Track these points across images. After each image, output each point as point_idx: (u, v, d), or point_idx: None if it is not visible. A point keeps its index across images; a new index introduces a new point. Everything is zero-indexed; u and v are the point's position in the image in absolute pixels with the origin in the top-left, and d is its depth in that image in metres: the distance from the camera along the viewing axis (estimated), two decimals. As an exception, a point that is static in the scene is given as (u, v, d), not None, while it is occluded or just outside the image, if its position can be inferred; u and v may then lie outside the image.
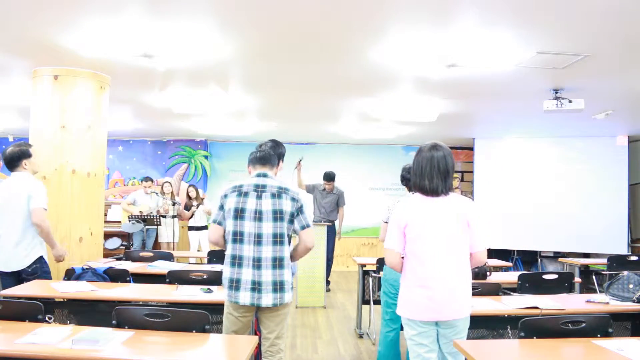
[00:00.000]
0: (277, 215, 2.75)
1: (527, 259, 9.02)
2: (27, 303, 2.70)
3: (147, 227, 7.49)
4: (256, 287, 2.71)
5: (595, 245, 8.11)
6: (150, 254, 4.83)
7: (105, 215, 7.45)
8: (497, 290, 3.62)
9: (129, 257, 4.90)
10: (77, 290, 3.29)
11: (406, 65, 4.48)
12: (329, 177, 7.28)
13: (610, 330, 2.55)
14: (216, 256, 4.90)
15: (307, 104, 6.41)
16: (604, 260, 5.40)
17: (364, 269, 5.21)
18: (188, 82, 5.25)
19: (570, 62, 4.22)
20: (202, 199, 8.14)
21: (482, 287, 3.55)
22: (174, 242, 7.79)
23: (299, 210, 2.82)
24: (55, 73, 4.66)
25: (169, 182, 8.33)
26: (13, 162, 3.80)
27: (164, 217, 7.88)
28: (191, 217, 8.14)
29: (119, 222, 7.90)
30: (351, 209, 9.45)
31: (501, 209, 8.62)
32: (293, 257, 2.92)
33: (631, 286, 3.32)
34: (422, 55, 4.17)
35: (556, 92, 5.14)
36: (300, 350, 4.73)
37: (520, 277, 3.92)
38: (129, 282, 3.81)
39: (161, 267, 4.37)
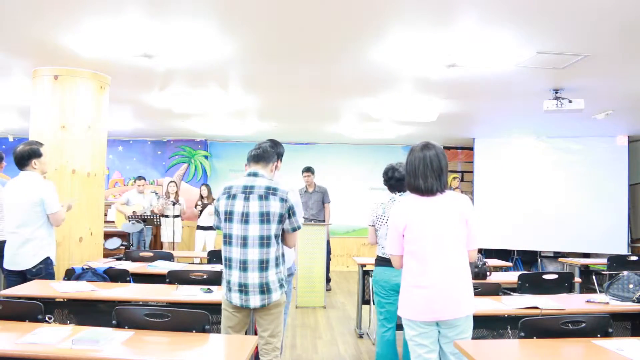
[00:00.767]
0: (264, 217, 2.73)
1: (527, 259, 9.02)
2: (27, 303, 2.70)
3: (145, 226, 7.49)
4: (243, 289, 2.72)
5: (595, 245, 8.11)
6: (150, 254, 4.83)
7: (105, 215, 7.45)
8: (497, 290, 3.62)
9: (129, 257, 4.90)
10: (77, 290, 3.29)
11: (406, 65, 4.48)
12: (307, 168, 7.23)
13: (610, 330, 2.55)
14: (216, 256, 4.90)
15: (307, 104, 6.41)
16: (604, 260, 5.40)
17: (364, 269, 5.21)
18: (188, 82, 5.25)
19: (570, 62, 4.22)
20: (213, 199, 8.17)
21: (482, 287, 3.55)
22: (174, 242, 7.80)
23: (290, 211, 2.80)
24: (55, 73, 4.66)
25: (174, 182, 8.35)
26: (23, 160, 3.77)
27: (167, 216, 7.89)
28: (199, 216, 8.16)
29: (113, 222, 7.89)
30: (351, 209, 9.48)
31: (501, 209, 8.62)
32: None
33: (631, 286, 3.32)
34: (422, 55, 4.17)
35: (556, 92, 5.14)
36: (300, 350, 4.73)
37: (520, 277, 3.92)
38: (129, 282, 3.81)
39: (161, 267, 4.37)
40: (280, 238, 2.83)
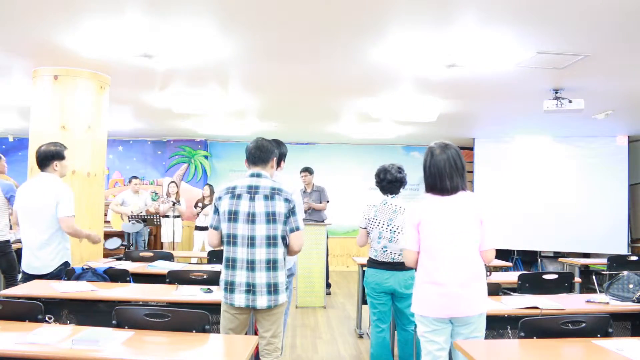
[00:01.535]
0: (270, 217, 2.73)
1: (527, 259, 9.02)
2: (27, 303, 2.69)
3: (145, 226, 7.50)
4: (251, 289, 2.71)
5: (595, 245, 8.11)
6: (150, 254, 4.83)
7: (105, 215, 7.45)
8: (497, 290, 3.62)
9: (129, 257, 4.90)
10: (77, 290, 3.29)
11: (406, 65, 4.48)
12: (305, 168, 7.19)
13: (610, 330, 2.55)
14: (216, 256, 4.90)
15: (307, 104, 6.41)
16: (604, 260, 5.40)
17: (364, 269, 5.20)
18: (188, 82, 5.25)
19: (570, 62, 4.22)
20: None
21: (482, 287, 3.55)
22: (174, 242, 7.80)
23: (291, 212, 2.79)
24: (55, 73, 4.66)
25: (175, 182, 8.35)
26: (46, 160, 3.69)
27: (167, 217, 7.89)
28: (197, 216, 8.16)
29: (109, 221, 7.88)
30: (351, 209, 9.47)
31: (501, 209, 8.62)
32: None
33: (631, 286, 3.32)
34: (422, 55, 4.17)
35: (556, 92, 5.14)
36: (300, 350, 4.73)
37: (520, 277, 3.92)
38: (129, 282, 3.81)
39: (161, 267, 4.37)
40: (284, 240, 2.81)
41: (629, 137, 8.22)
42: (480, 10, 3.26)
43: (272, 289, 2.73)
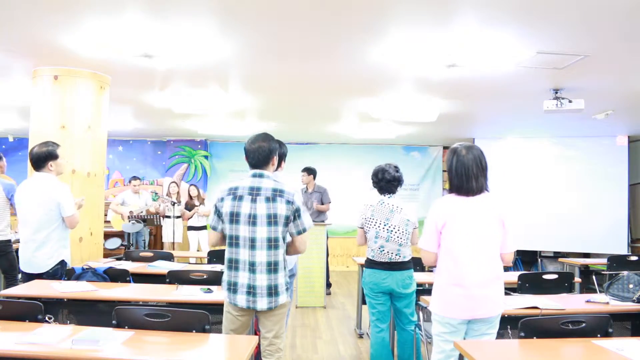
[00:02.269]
0: (272, 220, 2.71)
1: (527, 259, 9.02)
2: (27, 303, 2.69)
3: (145, 226, 7.50)
4: (251, 290, 2.71)
5: (595, 245, 8.11)
6: (150, 254, 4.83)
7: (105, 215, 7.45)
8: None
9: (129, 257, 4.90)
10: (77, 290, 3.29)
11: (406, 65, 4.48)
12: (305, 168, 7.14)
13: (610, 330, 2.55)
14: (216, 256, 4.90)
15: (307, 104, 6.41)
16: (604, 260, 5.39)
17: (363, 269, 5.20)
18: (188, 82, 5.25)
19: (570, 62, 4.22)
20: (203, 199, 8.15)
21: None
22: (174, 242, 7.80)
23: (296, 214, 2.76)
24: (55, 73, 4.66)
25: (175, 183, 8.35)
26: (40, 162, 3.71)
27: (169, 217, 7.89)
28: (191, 216, 8.15)
29: (109, 222, 7.88)
30: (351, 209, 9.46)
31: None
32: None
33: (631, 286, 3.32)
34: (422, 55, 4.17)
35: (556, 92, 5.14)
36: (300, 350, 4.73)
37: (520, 277, 3.92)
38: (129, 282, 3.81)
39: (161, 267, 4.37)
40: (285, 241, 2.80)
41: (629, 137, 8.22)
42: (480, 10, 3.26)
43: (273, 290, 2.72)
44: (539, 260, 8.96)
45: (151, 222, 7.63)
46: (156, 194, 8.13)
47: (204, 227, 8.04)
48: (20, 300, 3.02)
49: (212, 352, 2.37)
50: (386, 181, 3.71)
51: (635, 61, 4.26)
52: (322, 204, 7.18)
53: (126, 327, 2.47)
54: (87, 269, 3.81)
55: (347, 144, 9.87)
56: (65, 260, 3.80)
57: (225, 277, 2.79)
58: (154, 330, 2.44)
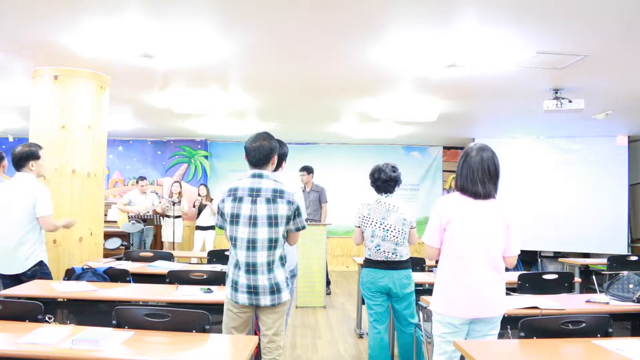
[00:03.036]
0: (272, 221, 2.73)
1: (527, 259, 9.01)
2: (27, 303, 2.70)
3: (145, 226, 7.50)
4: (252, 290, 2.72)
5: (595, 245, 8.10)
6: (150, 254, 4.83)
7: (105, 215, 7.45)
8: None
9: (129, 257, 4.90)
10: (77, 290, 3.29)
11: (406, 65, 4.48)
12: (304, 167, 7.11)
13: (610, 330, 2.55)
14: (216, 256, 4.90)
15: (307, 104, 6.41)
16: (604, 260, 5.40)
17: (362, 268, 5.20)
18: (188, 82, 5.25)
19: (570, 62, 4.22)
20: (212, 200, 8.18)
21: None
22: (174, 242, 7.81)
23: (296, 213, 2.80)
24: (55, 73, 4.66)
25: (178, 182, 8.36)
26: (21, 161, 3.76)
27: (169, 217, 7.90)
28: (197, 216, 8.17)
29: (115, 222, 7.90)
30: (351, 208, 9.46)
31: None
32: None
33: (631, 286, 3.32)
34: (422, 55, 4.17)
35: (556, 92, 5.14)
36: (300, 350, 4.73)
37: (520, 277, 3.92)
38: (129, 282, 3.81)
39: (161, 267, 4.37)
40: (285, 239, 2.83)
41: (629, 137, 8.22)
42: (481, 10, 3.26)
43: (275, 288, 2.74)
44: (539, 260, 8.96)
45: (151, 221, 7.63)
46: (156, 194, 8.12)
47: (211, 227, 8.07)
48: (20, 300, 3.02)
49: (212, 352, 2.37)
50: (382, 181, 3.72)
51: (635, 61, 4.26)
52: (320, 202, 7.18)
53: (126, 327, 2.47)
54: (87, 269, 3.81)
55: (347, 144, 9.87)
56: (44, 261, 3.79)
57: (229, 275, 2.81)
58: (154, 330, 2.44)
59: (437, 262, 2.81)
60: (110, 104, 5.19)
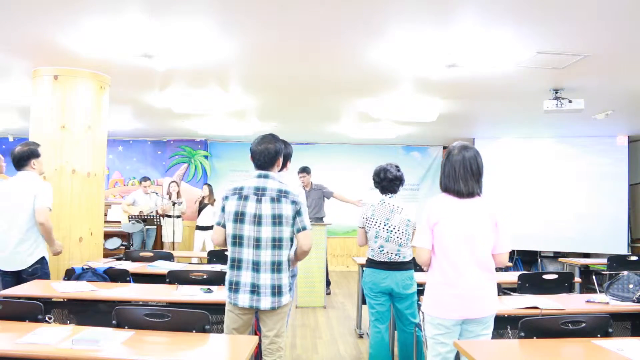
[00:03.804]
0: (276, 220, 2.74)
1: (527, 259, 9.02)
2: (27, 303, 2.70)
3: (147, 227, 7.50)
4: (255, 289, 2.73)
5: (595, 245, 8.11)
6: (150, 254, 4.83)
7: (105, 215, 7.46)
8: (497, 290, 3.62)
9: (129, 257, 4.90)
10: (77, 290, 3.29)
11: (406, 65, 4.48)
12: (303, 169, 7.03)
13: (610, 330, 2.55)
14: (216, 256, 4.90)
15: (307, 104, 6.41)
16: (604, 260, 5.39)
17: (364, 268, 5.20)
18: (188, 82, 5.25)
19: (570, 62, 4.22)
20: (214, 200, 8.18)
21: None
22: (174, 242, 7.81)
23: (298, 213, 2.80)
24: (55, 73, 4.66)
25: (176, 182, 8.36)
26: (22, 161, 3.79)
27: (169, 216, 7.90)
28: (198, 216, 8.18)
29: (119, 222, 7.91)
30: (351, 209, 9.46)
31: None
32: (293, 262, 2.91)
33: (631, 286, 3.32)
34: (422, 55, 4.17)
35: (556, 92, 5.14)
36: (300, 350, 4.73)
37: (520, 277, 3.92)
38: (129, 282, 3.81)
39: (161, 267, 4.37)
40: (292, 242, 2.84)
41: (629, 137, 8.22)
42: (481, 10, 3.26)
43: (276, 290, 2.74)
44: (539, 260, 8.96)
45: (151, 221, 7.63)
46: (157, 194, 8.12)
47: (211, 227, 8.05)
48: (20, 300, 3.02)
49: (212, 352, 2.37)
50: (388, 180, 3.71)
51: (635, 61, 4.26)
52: (326, 198, 7.10)
53: (126, 327, 2.47)
54: (87, 269, 3.81)
55: (347, 144, 9.87)
56: (45, 258, 3.80)
57: (227, 277, 2.81)
58: (154, 330, 2.44)
59: None
60: (110, 104, 5.19)
